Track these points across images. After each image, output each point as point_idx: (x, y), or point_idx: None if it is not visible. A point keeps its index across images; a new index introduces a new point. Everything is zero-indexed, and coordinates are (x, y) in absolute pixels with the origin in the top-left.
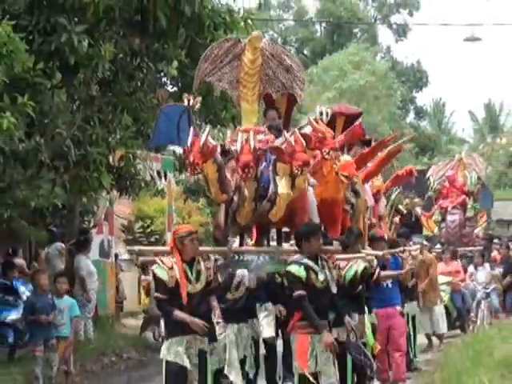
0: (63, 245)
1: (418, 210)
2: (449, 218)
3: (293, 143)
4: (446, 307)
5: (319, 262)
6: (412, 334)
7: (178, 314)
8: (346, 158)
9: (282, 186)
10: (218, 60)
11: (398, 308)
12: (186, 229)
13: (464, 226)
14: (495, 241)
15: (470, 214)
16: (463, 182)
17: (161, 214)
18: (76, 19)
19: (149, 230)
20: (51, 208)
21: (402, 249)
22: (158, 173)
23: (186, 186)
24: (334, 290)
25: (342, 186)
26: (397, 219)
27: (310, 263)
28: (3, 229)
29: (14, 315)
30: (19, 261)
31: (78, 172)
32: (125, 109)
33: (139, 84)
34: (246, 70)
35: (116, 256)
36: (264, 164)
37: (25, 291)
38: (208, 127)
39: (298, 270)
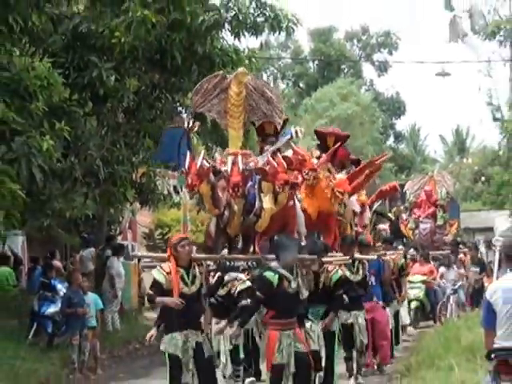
0: (94, 249)
1: (404, 216)
2: (421, 226)
3: (275, 165)
4: (421, 302)
5: (294, 271)
6: (395, 326)
7: (159, 299)
8: (340, 176)
9: (266, 202)
10: (208, 93)
11: (380, 302)
12: (177, 237)
13: (435, 233)
14: (460, 246)
15: (440, 222)
16: (435, 198)
17: (177, 223)
18: (105, 57)
19: (167, 236)
20: (83, 218)
21: (383, 253)
22: (175, 188)
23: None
24: (305, 295)
25: (336, 201)
26: (384, 226)
27: (284, 272)
28: (43, 235)
29: (52, 309)
30: (56, 263)
31: (107, 187)
32: (146, 133)
33: (159, 112)
34: (232, 102)
35: (139, 259)
36: (250, 183)
37: (61, 288)
38: (203, 151)
39: (272, 276)
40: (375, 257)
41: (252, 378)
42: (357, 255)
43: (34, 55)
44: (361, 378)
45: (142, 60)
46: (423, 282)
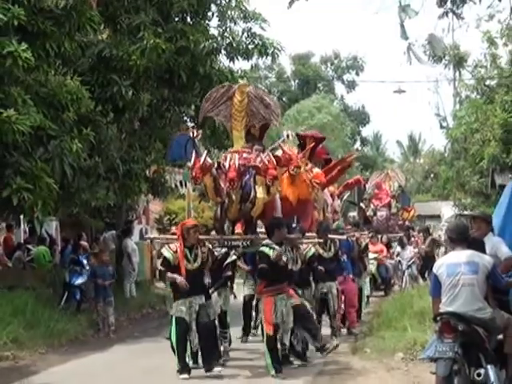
0: (114, 232)
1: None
2: (378, 213)
3: (267, 162)
4: (372, 275)
5: (283, 247)
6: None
7: (170, 275)
8: (316, 170)
9: (260, 193)
10: (216, 101)
11: (351, 276)
12: (192, 223)
13: (389, 219)
14: (410, 230)
15: (394, 210)
16: (389, 189)
17: (182, 211)
18: (124, 76)
19: (174, 221)
20: (106, 206)
21: (353, 234)
22: (180, 182)
23: (201, 191)
24: (293, 266)
25: (313, 190)
26: (354, 213)
27: (277, 247)
28: (72, 221)
29: (80, 280)
30: (84, 243)
31: (125, 181)
32: (157, 138)
33: (167, 121)
34: (236, 108)
35: (151, 240)
36: (247, 176)
37: (87, 264)
38: (206, 151)
39: (267, 251)
40: (345, 237)
41: (220, 368)
42: (329, 236)
43: (65, 74)
44: (336, 338)
45: (154, 78)
46: (375, 259)
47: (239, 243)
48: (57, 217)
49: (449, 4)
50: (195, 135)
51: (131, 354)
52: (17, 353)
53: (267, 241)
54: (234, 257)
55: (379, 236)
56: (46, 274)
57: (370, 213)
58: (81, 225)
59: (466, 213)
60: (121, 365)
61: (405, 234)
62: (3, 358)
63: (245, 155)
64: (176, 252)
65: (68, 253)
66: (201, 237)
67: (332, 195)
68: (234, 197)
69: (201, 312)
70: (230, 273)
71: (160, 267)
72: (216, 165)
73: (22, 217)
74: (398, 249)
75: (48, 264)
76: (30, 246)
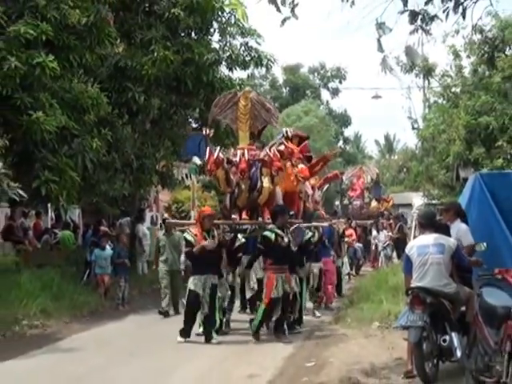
0: (129, 218)
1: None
2: (354, 202)
3: (272, 156)
4: None
5: (285, 230)
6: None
7: (195, 249)
8: (301, 165)
9: (265, 183)
10: (223, 105)
11: (331, 258)
12: (209, 212)
13: (362, 208)
14: (380, 217)
15: (366, 200)
16: (362, 181)
17: (188, 200)
18: (137, 84)
19: (180, 209)
20: (121, 196)
21: (333, 221)
22: (186, 175)
23: (204, 183)
24: (294, 248)
25: (298, 183)
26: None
27: (279, 231)
28: (93, 208)
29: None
30: (103, 228)
31: (138, 174)
32: (166, 137)
33: (175, 122)
34: (241, 111)
35: (161, 224)
36: (254, 168)
37: (105, 245)
38: (219, 147)
39: (270, 235)
40: (327, 224)
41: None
42: (314, 223)
43: (87, 82)
44: (317, 312)
45: (163, 86)
46: (346, 242)
47: (248, 227)
48: (79, 205)
49: (419, 21)
50: (208, 133)
51: (143, 322)
52: (45, 322)
53: (271, 226)
54: (243, 240)
55: (349, 222)
56: (70, 254)
57: (345, 202)
58: (100, 212)
59: (433, 202)
60: (134, 332)
61: (374, 221)
62: (33, 326)
63: (251, 152)
64: (196, 235)
65: (89, 236)
66: (215, 222)
67: (313, 187)
68: (243, 186)
69: (213, 289)
70: (241, 254)
71: (185, 249)
72: (226, 160)
73: (49, 205)
74: (375, 233)
75: (72, 246)
76: (56, 231)
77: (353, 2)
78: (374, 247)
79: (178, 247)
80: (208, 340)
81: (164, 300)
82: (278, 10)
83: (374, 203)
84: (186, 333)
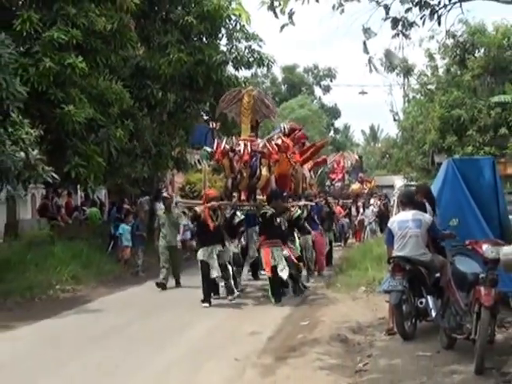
0: (148, 197)
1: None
2: (335, 184)
3: (270, 148)
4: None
5: (277, 211)
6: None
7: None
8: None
9: (264, 171)
10: (229, 101)
11: (319, 231)
12: (213, 193)
13: (343, 189)
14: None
15: (347, 182)
16: (343, 166)
17: (199, 182)
18: (155, 81)
19: (193, 190)
20: (142, 178)
21: (322, 199)
22: (198, 160)
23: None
24: (283, 226)
25: (290, 167)
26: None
27: (273, 210)
28: (117, 189)
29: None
30: (126, 206)
31: (156, 160)
32: (181, 127)
33: (188, 115)
34: (244, 106)
35: (176, 203)
36: (254, 158)
37: (131, 220)
38: (225, 138)
39: (266, 211)
40: (314, 203)
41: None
42: (303, 202)
43: (111, 80)
44: (311, 278)
45: (178, 83)
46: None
47: (247, 207)
48: (105, 186)
49: (400, 27)
50: (214, 126)
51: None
52: (75, 287)
53: (267, 207)
54: (243, 216)
55: (336, 200)
56: (97, 229)
57: (328, 183)
58: (123, 192)
59: (412, 183)
60: (152, 295)
61: (353, 201)
62: (65, 290)
63: (252, 143)
64: (203, 212)
65: (113, 213)
66: (220, 202)
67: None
68: (244, 174)
69: (220, 255)
70: (242, 228)
71: (194, 222)
72: (230, 149)
73: (78, 186)
74: (361, 210)
75: (98, 221)
76: (84, 208)
77: (342, 10)
78: (356, 223)
79: (177, 224)
80: (231, 292)
81: (162, 273)
82: (276, 16)
83: (357, 184)
84: (207, 298)
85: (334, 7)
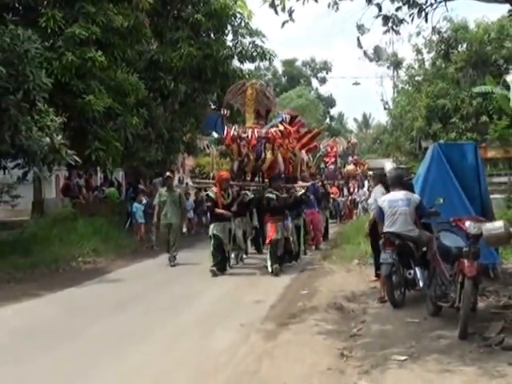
0: (161, 178)
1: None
2: (329, 166)
3: (275, 135)
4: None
5: (279, 192)
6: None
7: (217, 210)
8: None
9: (268, 155)
10: (235, 93)
11: (316, 209)
12: (226, 175)
13: (336, 171)
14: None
15: (339, 165)
16: (336, 150)
17: (208, 164)
18: (168, 73)
19: (202, 172)
20: (155, 161)
21: (317, 181)
22: (207, 145)
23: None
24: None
25: (288, 151)
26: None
27: (276, 192)
28: (133, 170)
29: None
30: (141, 186)
31: (169, 144)
32: (191, 115)
33: (197, 104)
34: (248, 98)
35: (187, 183)
36: (260, 143)
37: (142, 199)
38: (234, 126)
39: (271, 195)
40: (310, 184)
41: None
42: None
43: (128, 72)
44: (309, 252)
45: (188, 75)
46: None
47: (254, 188)
48: (122, 168)
49: (390, 24)
50: (224, 114)
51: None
52: (96, 259)
53: (269, 189)
54: (252, 195)
55: (332, 181)
56: (115, 207)
57: (322, 166)
58: (138, 173)
59: (401, 166)
60: (166, 267)
61: (345, 182)
62: (87, 262)
63: (258, 130)
64: (216, 193)
65: (130, 192)
66: (230, 183)
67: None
68: (251, 157)
69: (230, 230)
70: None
71: (208, 204)
72: (238, 135)
73: (98, 168)
74: (356, 190)
75: (116, 200)
76: (104, 188)
77: (337, 8)
78: (348, 202)
79: (178, 203)
80: (241, 259)
81: (170, 257)
82: (276, 13)
83: (351, 166)
84: (217, 267)
85: (329, 5)
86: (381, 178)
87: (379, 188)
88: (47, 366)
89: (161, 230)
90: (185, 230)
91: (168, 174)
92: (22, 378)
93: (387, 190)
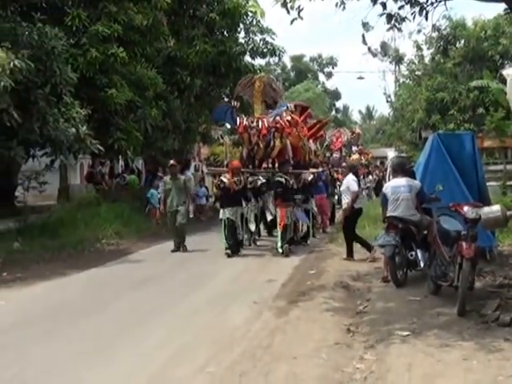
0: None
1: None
2: (334, 155)
3: (283, 124)
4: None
5: (289, 176)
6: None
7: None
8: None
9: (277, 143)
10: (244, 86)
11: (325, 195)
12: (237, 164)
13: (340, 159)
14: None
15: (344, 154)
16: (341, 140)
17: (222, 153)
18: (184, 69)
19: (216, 160)
20: (173, 150)
21: (325, 169)
22: (221, 135)
23: (233, 141)
24: (295, 187)
25: (300, 140)
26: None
27: (286, 176)
28: (152, 159)
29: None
30: (159, 174)
31: (185, 135)
32: (206, 108)
33: (212, 97)
34: (256, 90)
35: (202, 171)
36: (269, 132)
37: (161, 186)
38: (246, 117)
39: (281, 179)
40: (321, 170)
41: (253, 238)
42: (311, 170)
43: (147, 68)
44: (317, 235)
45: (203, 70)
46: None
47: (264, 174)
48: (142, 156)
49: (393, 21)
50: (235, 105)
51: (189, 242)
52: (118, 241)
53: (279, 173)
54: (264, 180)
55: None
56: (135, 193)
57: (328, 154)
58: (157, 162)
59: (403, 155)
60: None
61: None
62: (110, 244)
63: (266, 120)
64: (228, 180)
65: (149, 180)
66: (242, 170)
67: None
68: (261, 145)
69: (242, 214)
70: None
71: (217, 192)
72: (249, 125)
73: (119, 156)
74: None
75: (136, 186)
76: (125, 175)
77: (344, 7)
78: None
79: (183, 189)
80: (254, 241)
81: (174, 240)
82: (288, 12)
83: (356, 155)
84: (230, 249)
85: (336, 5)
86: (351, 169)
87: (350, 176)
88: (78, 338)
89: (168, 217)
90: (192, 215)
91: (172, 162)
92: (57, 350)
93: (357, 178)
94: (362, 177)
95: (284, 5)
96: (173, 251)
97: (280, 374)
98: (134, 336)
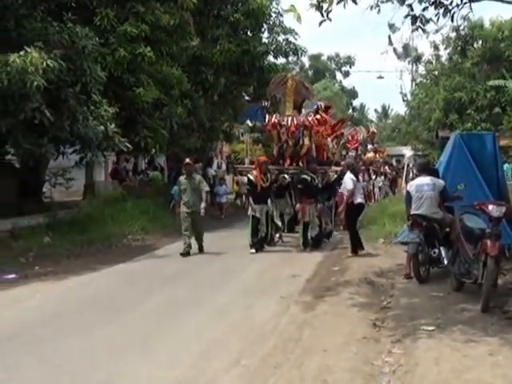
0: (201, 164)
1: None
2: (349, 153)
3: (312, 123)
4: None
5: (315, 175)
6: None
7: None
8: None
9: (305, 140)
10: (277, 84)
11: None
12: (264, 159)
13: (356, 158)
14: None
15: (359, 152)
16: (356, 138)
17: (242, 151)
18: (208, 68)
19: (237, 157)
20: (195, 148)
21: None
22: (242, 133)
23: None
24: (320, 186)
25: (324, 139)
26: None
27: (312, 175)
28: (175, 156)
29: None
30: (183, 170)
31: (208, 133)
32: (229, 106)
33: (235, 96)
34: (288, 88)
35: (227, 168)
36: (298, 130)
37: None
38: (275, 115)
39: (306, 177)
40: (340, 168)
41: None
42: (333, 168)
43: (173, 67)
44: (336, 232)
45: (227, 69)
46: None
47: (292, 171)
48: (166, 154)
49: (418, 23)
50: (265, 105)
51: (214, 238)
52: (144, 237)
53: (306, 171)
54: (290, 179)
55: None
56: (159, 189)
57: (343, 153)
58: (180, 159)
59: (419, 153)
60: (209, 245)
61: (366, 168)
62: (136, 240)
63: (296, 118)
64: (256, 176)
65: (172, 176)
66: (269, 167)
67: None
68: (290, 143)
69: (267, 214)
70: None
71: (247, 187)
72: (278, 123)
73: (144, 154)
74: (373, 177)
75: (160, 183)
76: (148, 172)
77: (379, 10)
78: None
79: (198, 190)
80: (280, 237)
81: (184, 241)
82: (322, 15)
83: (371, 153)
84: (255, 246)
85: (371, 8)
86: (349, 167)
87: (348, 174)
88: (114, 332)
89: (182, 217)
90: (202, 212)
91: (187, 160)
92: (94, 343)
93: (356, 177)
94: (374, 176)
95: (318, 8)
96: (182, 254)
97: (313, 366)
98: (168, 330)
